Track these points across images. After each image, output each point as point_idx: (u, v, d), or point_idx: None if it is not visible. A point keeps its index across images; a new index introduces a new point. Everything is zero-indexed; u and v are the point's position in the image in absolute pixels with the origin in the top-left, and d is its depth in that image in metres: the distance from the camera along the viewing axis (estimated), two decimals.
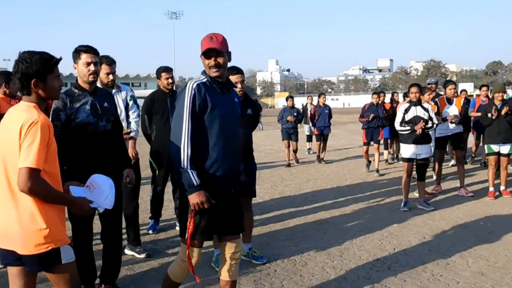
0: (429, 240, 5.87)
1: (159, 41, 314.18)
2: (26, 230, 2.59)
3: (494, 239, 5.87)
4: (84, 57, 3.95)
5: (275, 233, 6.29)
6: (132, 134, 5.39)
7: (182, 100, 3.38)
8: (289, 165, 12.66)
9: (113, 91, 5.14)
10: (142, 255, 5.31)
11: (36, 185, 2.52)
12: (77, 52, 3.98)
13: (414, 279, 4.61)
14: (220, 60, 3.43)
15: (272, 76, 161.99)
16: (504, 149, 8.06)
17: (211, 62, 3.41)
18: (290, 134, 12.91)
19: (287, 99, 13.44)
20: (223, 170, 3.42)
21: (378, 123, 11.24)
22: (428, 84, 10.11)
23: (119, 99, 5.28)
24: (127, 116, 5.41)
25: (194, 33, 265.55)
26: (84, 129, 3.94)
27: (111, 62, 4.94)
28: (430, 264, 5.02)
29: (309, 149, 16.01)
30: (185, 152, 3.27)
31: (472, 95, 17.46)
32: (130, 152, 5.25)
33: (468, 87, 79.20)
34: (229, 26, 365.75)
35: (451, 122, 8.32)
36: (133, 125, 5.48)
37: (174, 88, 6.31)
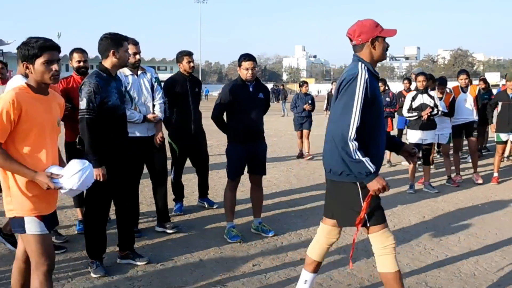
0: (428, 219, 6.31)
1: (185, 25, 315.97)
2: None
3: (488, 219, 6.27)
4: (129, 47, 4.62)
5: (286, 210, 6.79)
6: (159, 116, 5.56)
7: (353, 89, 3.20)
8: (301, 155, 11.80)
9: (139, 72, 5.46)
10: (172, 230, 5.66)
11: None
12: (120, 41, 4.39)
13: (407, 252, 5.06)
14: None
15: (298, 62, 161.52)
16: None
17: (385, 54, 3.48)
18: (302, 123, 11.82)
19: (301, 85, 12.32)
20: (379, 159, 3.50)
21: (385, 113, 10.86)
22: (414, 74, 10.45)
23: (145, 81, 5.49)
24: (153, 98, 5.55)
25: (220, 18, 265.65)
26: (114, 111, 4.34)
27: (136, 42, 5.36)
28: (424, 240, 5.46)
29: None
30: (353, 143, 3.16)
31: (498, 85, 17.18)
32: (158, 135, 5.52)
33: (495, 76, 77.63)
34: (255, 11, 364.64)
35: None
36: (158, 108, 5.57)
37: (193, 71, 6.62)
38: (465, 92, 8.66)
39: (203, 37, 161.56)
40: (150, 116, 5.41)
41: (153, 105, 5.55)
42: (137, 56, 5.34)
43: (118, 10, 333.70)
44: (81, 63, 5.51)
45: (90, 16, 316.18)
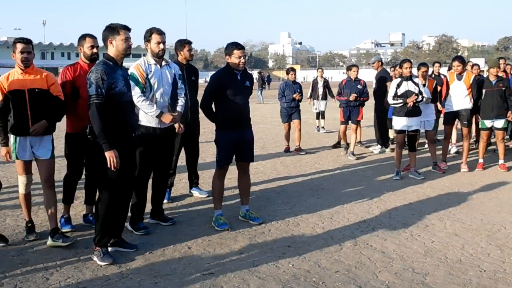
0: (414, 205, 6.36)
1: (171, 11, 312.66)
2: None
3: (473, 205, 6.35)
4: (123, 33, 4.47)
5: (272, 197, 6.80)
6: (179, 110, 5.55)
7: None
8: (288, 150, 10.66)
9: (163, 63, 5.42)
10: (167, 223, 5.60)
11: None
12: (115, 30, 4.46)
13: (393, 238, 5.10)
14: None
15: (284, 49, 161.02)
16: (498, 123, 8.34)
17: None
18: (290, 114, 10.64)
19: (287, 72, 11.01)
20: None
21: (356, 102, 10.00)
22: (371, 63, 10.61)
23: (167, 73, 5.45)
24: (173, 93, 5.52)
25: (206, 4, 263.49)
26: (120, 97, 4.45)
27: (161, 32, 5.36)
28: (411, 226, 5.51)
29: (319, 127, 14.49)
30: None
31: (483, 71, 17.02)
32: (177, 126, 5.51)
33: (479, 62, 78.01)
34: None
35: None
36: (180, 102, 5.60)
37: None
38: (459, 80, 8.55)
39: (188, 24, 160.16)
40: (167, 118, 5.28)
41: (172, 100, 5.51)
42: (161, 46, 5.32)
43: None
44: (94, 49, 5.28)
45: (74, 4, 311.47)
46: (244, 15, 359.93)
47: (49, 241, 4.86)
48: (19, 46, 4.70)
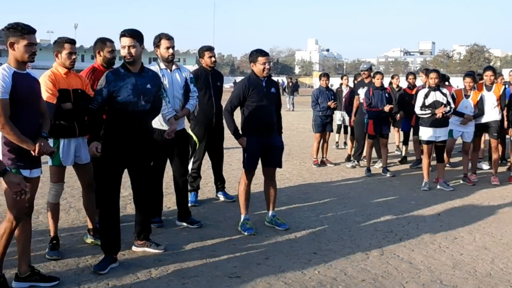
0: (443, 217, 6.28)
1: (199, 17, 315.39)
2: None
3: (504, 218, 6.24)
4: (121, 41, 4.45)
5: (299, 204, 6.80)
6: (188, 107, 5.67)
7: None
8: (318, 163, 9.94)
9: (173, 68, 5.56)
10: (194, 226, 5.63)
11: None
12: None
13: (421, 249, 5.05)
14: None
15: (311, 55, 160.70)
16: None
17: None
18: (324, 124, 9.95)
19: (320, 77, 10.42)
20: None
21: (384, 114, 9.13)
22: (361, 71, 10.22)
23: (178, 77, 5.59)
24: (185, 96, 5.66)
25: (234, 10, 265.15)
26: (126, 106, 4.37)
27: (170, 37, 5.47)
28: (439, 237, 5.44)
29: (337, 142, 12.75)
30: None
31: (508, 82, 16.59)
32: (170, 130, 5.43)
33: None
34: (268, 4, 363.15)
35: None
36: (191, 101, 5.71)
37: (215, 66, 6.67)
38: (489, 91, 8.38)
39: (216, 29, 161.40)
40: (172, 125, 5.33)
41: (184, 104, 5.65)
42: (170, 50, 5.45)
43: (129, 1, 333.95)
44: (114, 53, 5.31)
45: (105, 8, 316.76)
46: (272, 21, 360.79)
47: (89, 239, 5.02)
48: (68, 47, 4.69)
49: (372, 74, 9.67)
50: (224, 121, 6.50)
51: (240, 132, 5.58)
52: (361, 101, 9.45)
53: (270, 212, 5.79)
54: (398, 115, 9.80)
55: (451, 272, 4.47)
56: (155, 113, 4.78)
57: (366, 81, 9.86)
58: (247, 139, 5.55)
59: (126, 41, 4.37)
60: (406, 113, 9.73)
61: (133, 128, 4.46)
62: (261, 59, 5.46)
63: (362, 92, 9.48)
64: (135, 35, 4.41)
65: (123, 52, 4.38)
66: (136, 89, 4.42)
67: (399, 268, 4.54)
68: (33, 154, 3.75)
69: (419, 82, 10.55)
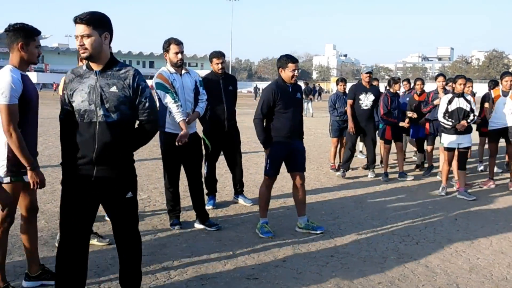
0: (460, 221, 6.29)
1: (217, 22, 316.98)
2: None
3: None
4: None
5: (316, 208, 6.85)
6: (197, 110, 5.72)
7: None
8: (335, 168, 9.77)
9: (182, 72, 5.67)
10: (212, 229, 5.71)
11: None
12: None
13: (438, 253, 5.08)
14: None
15: (329, 60, 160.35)
16: None
17: None
18: (341, 129, 9.86)
19: (337, 83, 10.37)
20: None
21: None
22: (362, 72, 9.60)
23: (187, 81, 5.67)
24: (195, 100, 5.75)
25: (252, 15, 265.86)
26: (80, 116, 3.27)
27: (179, 42, 5.57)
28: (456, 241, 5.46)
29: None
30: None
31: None
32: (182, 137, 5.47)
33: None
34: (287, 9, 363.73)
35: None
36: (201, 104, 5.78)
37: (225, 71, 6.76)
38: (505, 96, 8.32)
39: (234, 34, 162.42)
40: (184, 128, 5.41)
41: (194, 107, 5.75)
42: (179, 55, 5.54)
43: (148, 4, 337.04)
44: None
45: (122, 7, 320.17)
46: (289, 26, 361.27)
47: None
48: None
49: (392, 81, 9.45)
50: (237, 124, 6.63)
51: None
52: (364, 107, 8.90)
53: (303, 218, 5.77)
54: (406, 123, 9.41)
55: (467, 276, 4.50)
56: (129, 127, 3.36)
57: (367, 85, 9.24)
58: (274, 145, 5.57)
59: (79, 29, 3.16)
60: (413, 121, 9.49)
61: (92, 148, 3.24)
62: (291, 66, 5.45)
63: (364, 97, 8.91)
64: (91, 21, 3.18)
65: (75, 44, 3.24)
66: (94, 93, 3.25)
67: (416, 272, 4.57)
68: (30, 180, 3.61)
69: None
